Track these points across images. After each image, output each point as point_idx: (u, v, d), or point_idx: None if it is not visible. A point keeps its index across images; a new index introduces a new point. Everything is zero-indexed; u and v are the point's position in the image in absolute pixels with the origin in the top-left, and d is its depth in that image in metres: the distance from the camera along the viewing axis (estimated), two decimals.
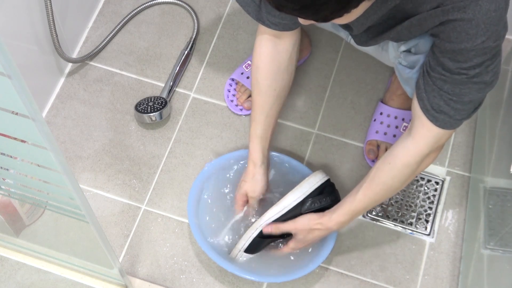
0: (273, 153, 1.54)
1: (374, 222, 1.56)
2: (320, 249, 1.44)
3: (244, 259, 1.44)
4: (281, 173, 1.54)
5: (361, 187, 1.31)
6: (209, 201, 1.51)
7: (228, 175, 1.54)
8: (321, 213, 1.37)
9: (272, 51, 1.35)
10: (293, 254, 1.46)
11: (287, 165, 1.55)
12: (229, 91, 1.68)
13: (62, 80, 1.71)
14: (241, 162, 1.54)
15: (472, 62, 1.06)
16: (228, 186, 1.53)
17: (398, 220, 1.56)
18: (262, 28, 1.33)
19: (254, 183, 1.45)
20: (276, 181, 1.52)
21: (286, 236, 1.43)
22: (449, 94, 1.11)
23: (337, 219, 1.35)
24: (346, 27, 1.24)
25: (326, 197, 1.40)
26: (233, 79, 1.69)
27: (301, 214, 1.39)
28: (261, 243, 1.42)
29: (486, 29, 1.01)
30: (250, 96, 1.66)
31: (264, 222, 1.40)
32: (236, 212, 1.49)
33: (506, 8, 1.03)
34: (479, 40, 1.02)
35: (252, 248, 1.42)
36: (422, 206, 1.57)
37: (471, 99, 1.12)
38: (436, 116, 1.15)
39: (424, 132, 1.18)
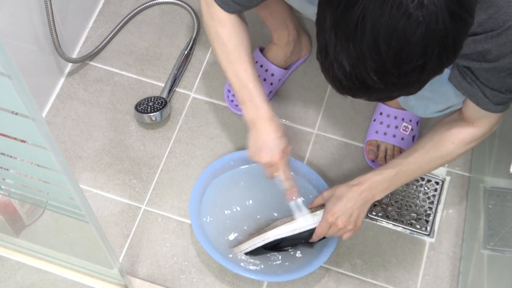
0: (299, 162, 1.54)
1: (374, 222, 1.56)
2: (322, 249, 1.44)
3: (243, 257, 1.45)
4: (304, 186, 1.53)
5: (410, 155, 1.31)
6: (212, 201, 1.51)
7: (230, 176, 1.54)
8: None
9: (235, 25, 1.31)
10: (295, 254, 1.46)
11: (313, 182, 1.53)
12: (229, 91, 1.68)
13: (62, 80, 1.71)
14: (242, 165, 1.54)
15: (510, 70, 1.07)
16: (230, 186, 1.53)
17: (398, 220, 1.56)
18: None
19: (285, 132, 1.34)
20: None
21: (290, 248, 1.42)
22: (499, 90, 1.12)
23: (375, 178, 1.32)
24: None
25: None
26: None
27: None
28: (263, 251, 1.42)
29: None
30: None
31: (273, 237, 1.38)
32: (290, 194, 1.37)
33: None
34: None
35: (253, 253, 1.43)
36: (422, 206, 1.57)
37: None
38: (495, 107, 1.16)
39: (484, 121, 1.22)
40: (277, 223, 1.42)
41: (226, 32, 1.29)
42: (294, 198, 1.38)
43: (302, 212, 1.37)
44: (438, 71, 0.92)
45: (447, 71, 1.18)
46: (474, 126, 1.25)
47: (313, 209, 1.39)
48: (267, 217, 1.50)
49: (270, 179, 1.38)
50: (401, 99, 1.37)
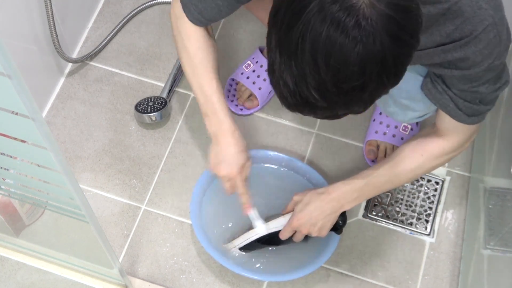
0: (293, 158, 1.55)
1: (374, 222, 1.56)
2: (323, 249, 1.44)
3: (236, 254, 1.44)
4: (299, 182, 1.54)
5: (380, 167, 1.31)
6: (212, 203, 1.51)
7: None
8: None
9: (202, 39, 1.31)
10: (295, 253, 1.46)
11: (314, 181, 1.54)
12: (229, 91, 1.69)
13: (62, 80, 1.71)
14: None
15: (482, 80, 1.09)
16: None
17: (398, 220, 1.56)
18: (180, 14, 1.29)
19: (246, 148, 1.35)
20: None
21: (285, 243, 1.43)
22: (472, 101, 1.13)
23: (344, 188, 1.32)
24: None
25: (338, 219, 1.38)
26: (233, 79, 1.69)
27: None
28: (256, 246, 1.43)
29: (490, 53, 1.03)
30: (251, 95, 1.66)
31: (267, 231, 1.39)
32: (245, 207, 1.39)
33: (502, 24, 1.03)
34: (485, 64, 1.05)
35: (247, 248, 1.43)
36: (422, 206, 1.57)
37: (492, 96, 1.14)
38: (468, 119, 1.16)
39: (457, 133, 1.22)
40: (269, 219, 1.42)
41: (192, 46, 1.30)
42: (249, 211, 1.39)
43: (256, 223, 1.39)
44: (381, 91, 0.92)
45: (421, 80, 1.18)
46: (445, 140, 1.24)
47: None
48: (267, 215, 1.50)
49: (229, 195, 1.39)
50: (380, 106, 1.38)
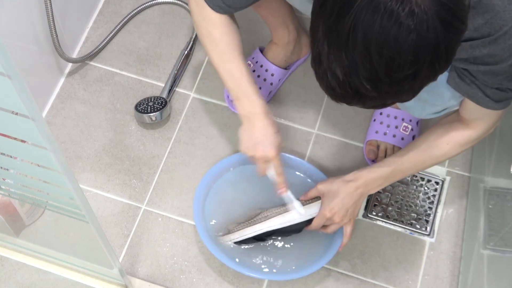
0: (292, 156, 1.55)
1: (374, 222, 1.56)
2: (325, 249, 1.44)
3: (231, 246, 1.44)
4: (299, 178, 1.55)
5: (406, 154, 1.33)
6: (215, 202, 1.51)
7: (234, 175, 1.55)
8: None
9: (227, 25, 1.32)
10: (296, 254, 1.46)
11: (314, 177, 1.54)
12: None
13: (62, 80, 1.71)
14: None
15: (506, 74, 1.08)
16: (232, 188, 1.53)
17: (398, 220, 1.56)
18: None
19: (279, 129, 1.34)
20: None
21: (280, 238, 1.43)
22: (499, 88, 1.13)
23: (371, 175, 1.34)
24: None
25: None
26: None
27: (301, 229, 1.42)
28: (251, 242, 1.44)
29: None
30: None
31: (266, 228, 1.40)
32: (281, 188, 1.38)
33: None
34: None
35: (242, 242, 1.44)
36: (422, 206, 1.57)
37: None
38: (496, 105, 1.16)
39: (483, 121, 1.22)
40: (269, 214, 1.42)
41: (218, 32, 1.29)
42: (285, 191, 1.39)
43: (294, 204, 1.39)
44: (431, 78, 0.92)
45: (444, 74, 1.18)
46: (470, 128, 1.25)
47: (306, 201, 1.41)
48: (261, 206, 1.50)
49: (261, 176, 1.39)
50: None
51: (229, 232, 1.45)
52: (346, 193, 1.36)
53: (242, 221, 1.47)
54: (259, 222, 1.41)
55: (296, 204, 1.40)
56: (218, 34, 1.30)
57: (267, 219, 1.41)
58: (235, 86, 1.32)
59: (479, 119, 1.23)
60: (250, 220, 1.45)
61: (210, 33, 1.30)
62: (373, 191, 1.38)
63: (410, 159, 1.33)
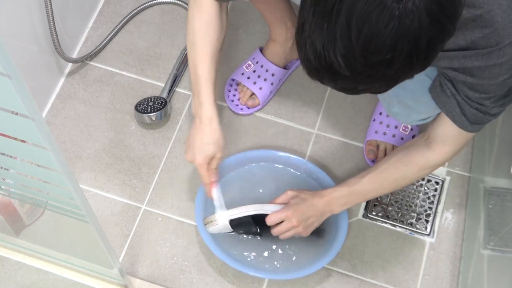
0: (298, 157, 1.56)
1: (374, 222, 1.56)
2: (327, 250, 1.44)
3: (214, 232, 1.43)
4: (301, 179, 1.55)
5: (366, 175, 1.33)
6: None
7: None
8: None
9: (211, 15, 1.31)
10: (296, 254, 1.46)
11: (313, 176, 1.55)
12: (229, 91, 1.68)
13: (62, 80, 1.71)
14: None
15: (491, 93, 1.08)
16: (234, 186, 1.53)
17: (398, 220, 1.56)
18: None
19: (218, 140, 1.33)
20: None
21: (266, 233, 1.44)
22: (478, 109, 1.12)
23: (333, 194, 1.36)
24: None
25: None
26: (233, 80, 1.69)
27: None
28: (239, 228, 1.44)
29: (509, 69, 1.02)
30: (252, 94, 1.66)
31: (250, 211, 1.40)
32: (209, 190, 1.40)
33: None
34: (501, 78, 1.04)
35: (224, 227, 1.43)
36: (422, 206, 1.57)
37: (497, 110, 1.13)
38: (470, 126, 1.15)
39: (449, 143, 1.21)
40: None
41: (200, 20, 1.29)
42: (213, 193, 1.40)
43: (216, 202, 1.40)
44: (407, 72, 0.91)
45: (430, 82, 1.18)
46: (433, 151, 1.24)
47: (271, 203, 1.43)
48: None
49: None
50: (385, 106, 1.38)
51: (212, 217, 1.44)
52: (312, 204, 1.37)
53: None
54: (244, 206, 1.41)
55: (220, 206, 1.40)
56: (198, 22, 1.29)
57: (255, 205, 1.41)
58: (194, 80, 1.32)
59: (444, 142, 1.22)
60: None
61: (193, 18, 1.29)
62: (336, 210, 1.38)
63: (369, 180, 1.33)
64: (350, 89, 0.94)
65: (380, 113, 1.61)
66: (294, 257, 1.47)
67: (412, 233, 1.55)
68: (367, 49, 0.86)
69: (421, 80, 1.18)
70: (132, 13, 1.79)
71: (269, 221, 1.39)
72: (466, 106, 1.12)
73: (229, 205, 1.45)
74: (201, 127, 1.32)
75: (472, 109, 1.12)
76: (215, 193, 1.40)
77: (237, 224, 1.41)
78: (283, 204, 1.41)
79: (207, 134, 1.32)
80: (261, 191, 1.53)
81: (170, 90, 1.68)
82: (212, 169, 1.37)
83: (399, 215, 1.57)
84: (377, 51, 0.86)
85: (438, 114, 1.21)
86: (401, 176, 1.31)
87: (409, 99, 1.25)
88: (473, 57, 1.03)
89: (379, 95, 1.40)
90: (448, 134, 1.19)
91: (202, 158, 1.33)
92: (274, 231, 1.40)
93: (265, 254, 1.46)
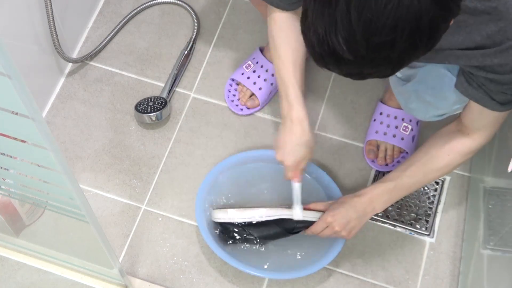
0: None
1: (374, 222, 1.56)
2: (327, 250, 1.44)
3: (217, 233, 1.44)
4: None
5: (408, 168, 1.32)
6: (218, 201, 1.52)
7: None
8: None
9: (285, 21, 1.32)
10: (296, 254, 1.46)
11: (316, 177, 1.55)
12: (230, 91, 1.69)
13: (62, 80, 1.71)
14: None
15: None
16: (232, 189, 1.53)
17: (398, 220, 1.56)
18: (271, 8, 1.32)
19: (309, 141, 1.34)
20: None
21: (271, 239, 1.44)
22: (505, 91, 1.12)
23: (375, 191, 1.34)
24: None
25: None
26: (233, 79, 1.69)
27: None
28: (238, 235, 1.44)
29: None
30: (252, 94, 1.66)
31: (256, 216, 1.40)
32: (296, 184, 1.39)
33: None
34: None
35: (229, 230, 1.44)
36: (422, 206, 1.57)
37: None
38: (501, 107, 1.15)
39: (485, 129, 1.21)
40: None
41: (276, 28, 1.30)
42: (297, 182, 1.40)
43: (294, 201, 1.39)
44: (411, 54, 0.90)
45: (451, 78, 1.18)
46: (470, 138, 1.25)
47: (307, 209, 1.42)
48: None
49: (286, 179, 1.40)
50: (401, 102, 1.38)
51: (223, 209, 1.44)
52: (351, 205, 1.35)
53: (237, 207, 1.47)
54: (252, 208, 1.41)
55: (296, 201, 1.39)
56: (276, 30, 1.31)
57: (261, 207, 1.41)
58: (280, 84, 1.34)
59: (480, 128, 1.22)
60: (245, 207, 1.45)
61: (270, 28, 1.31)
62: (379, 209, 1.36)
63: (412, 173, 1.32)
64: (356, 74, 0.93)
65: (381, 113, 1.61)
66: (294, 257, 1.47)
67: (412, 233, 1.55)
68: (368, 31, 0.86)
69: (441, 76, 1.18)
70: (132, 13, 1.79)
71: (314, 230, 1.38)
72: (492, 93, 1.12)
73: (229, 205, 1.45)
74: (292, 128, 1.32)
75: (499, 93, 1.12)
76: (296, 190, 1.39)
77: (266, 225, 1.42)
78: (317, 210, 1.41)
79: (297, 135, 1.32)
80: (263, 191, 1.53)
81: (170, 90, 1.68)
82: (299, 169, 1.37)
83: (399, 215, 1.57)
84: (378, 32, 0.86)
85: (467, 105, 1.20)
86: (445, 165, 1.29)
87: (429, 94, 1.25)
88: (492, 55, 1.02)
89: (396, 92, 1.39)
90: (483, 120, 1.19)
91: (292, 161, 1.34)
92: (317, 234, 1.40)
93: (265, 253, 1.46)
